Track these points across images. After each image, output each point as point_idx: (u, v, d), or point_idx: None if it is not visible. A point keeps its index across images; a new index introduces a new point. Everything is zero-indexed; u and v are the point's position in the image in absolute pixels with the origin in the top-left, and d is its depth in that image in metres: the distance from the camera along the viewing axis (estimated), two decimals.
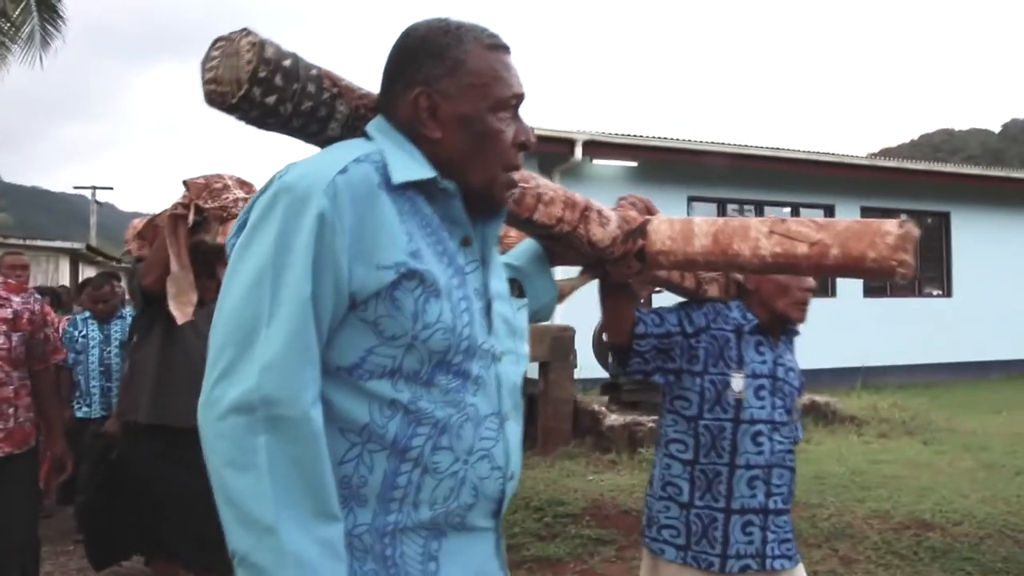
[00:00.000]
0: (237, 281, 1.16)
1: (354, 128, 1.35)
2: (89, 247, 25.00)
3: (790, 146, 13.34)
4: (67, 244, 22.35)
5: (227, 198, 2.73)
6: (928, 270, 14.17)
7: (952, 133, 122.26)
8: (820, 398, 8.20)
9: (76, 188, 42.08)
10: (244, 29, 1.28)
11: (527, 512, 5.61)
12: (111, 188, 60.05)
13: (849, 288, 12.53)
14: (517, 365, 1.36)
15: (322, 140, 1.35)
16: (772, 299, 2.36)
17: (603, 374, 8.14)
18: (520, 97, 1.33)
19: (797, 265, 1.73)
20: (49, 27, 14.37)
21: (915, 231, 1.63)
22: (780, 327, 2.41)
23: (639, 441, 6.47)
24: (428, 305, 1.20)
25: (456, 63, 1.28)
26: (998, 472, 6.17)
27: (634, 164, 11.00)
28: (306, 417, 1.10)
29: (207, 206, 2.73)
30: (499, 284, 1.37)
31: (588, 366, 8.93)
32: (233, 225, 2.67)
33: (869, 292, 13.31)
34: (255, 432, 1.07)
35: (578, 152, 10.11)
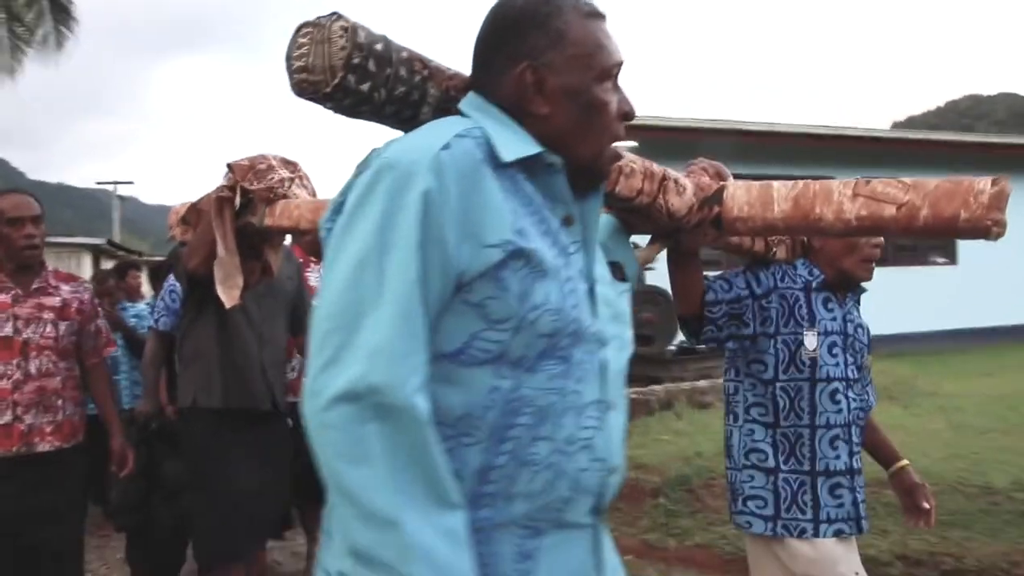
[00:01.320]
0: (339, 265, 1.11)
1: (446, 111, 1.31)
2: (110, 242, 25.42)
3: (803, 121, 13.42)
4: (88, 240, 22.72)
5: (272, 178, 2.73)
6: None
7: (979, 98, 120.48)
8: None
9: (99, 183, 42.70)
10: (334, 13, 1.25)
11: None
12: (131, 183, 60.86)
13: None
14: (622, 351, 1.31)
15: (414, 125, 1.28)
16: (839, 257, 2.34)
17: None
18: (621, 65, 1.29)
19: (885, 228, 1.68)
20: (63, 28, 14.75)
21: (1008, 188, 1.58)
22: (846, 285, 2.39)
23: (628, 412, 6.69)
24: (535, 286, 1.15)
25: (559, 34, 1.24)
26: (964, 432, 6.30)
27: (635, 144, 11.14)
28: (411, 405, 1.04)
29: (253, 187, 2.72)
30: (601, 266, 1.32)
31: None
32: (279, 205, 2.67)
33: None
34: (363, 421, 1.02)
35: None
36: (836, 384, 2.29)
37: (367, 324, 1.06)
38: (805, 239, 2.36)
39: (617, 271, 1.49)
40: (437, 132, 1.16)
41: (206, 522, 3.17)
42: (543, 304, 1.15)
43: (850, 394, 2.32)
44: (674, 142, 11.19)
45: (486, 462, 1.13)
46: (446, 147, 1.12)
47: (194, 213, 3.02)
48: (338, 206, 1.21)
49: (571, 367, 1.18)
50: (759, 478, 2.30)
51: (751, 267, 2.37)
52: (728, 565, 4.45)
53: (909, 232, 1.68)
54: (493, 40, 1.27)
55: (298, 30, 1.26)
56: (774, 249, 2.33)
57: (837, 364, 2.30)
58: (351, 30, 1.23)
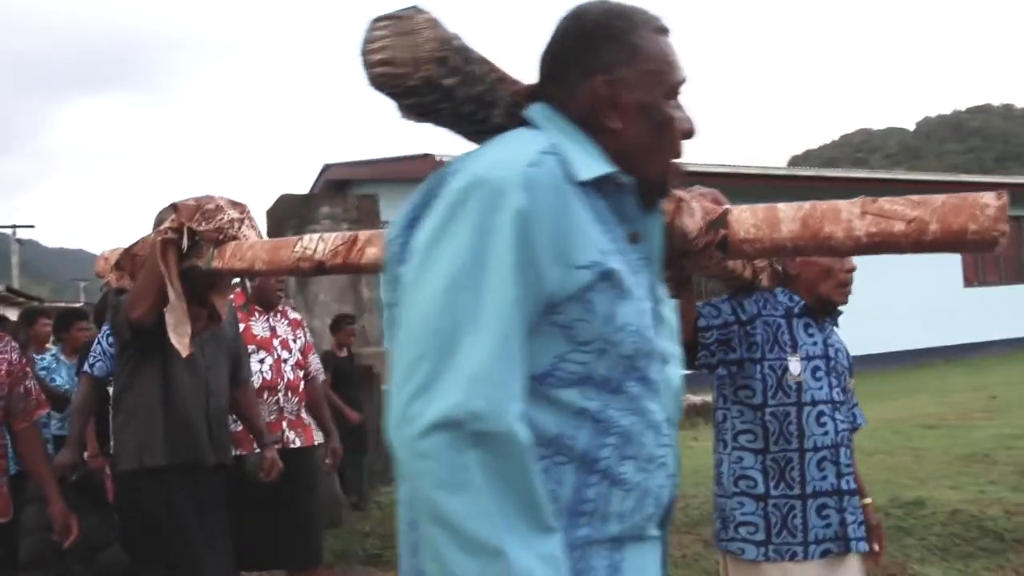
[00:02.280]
0: (428, 286, 1.06)
1: (512, 116, 1.28)
2: (9, 288, 24.60)
3: (705, 159, 13.88)
4: None
5: (222, 219, 2.63)
6: None
7: (871, 132, 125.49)
8: (704, 397, 8.61)
9: None
10: (414, 7, 1.22)
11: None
12: (32, 226, 57.93)
13: None
14: (679, 368, 1.30)
15: (483, 131, 1.28)
16: (816, 283, 2.39)
17: None
18: (685, 82, 1.28)
19: (895, 243, 1.70)
20: None
21: (1007, 201, 1.62)
22: (824, 310, 2.43)
23: None
24: (618, 307, 1.14)
25: (634, 49, 1.23)
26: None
27: None
28: (513, 432, 1.02)
29: (201, 228, 2.61)
30: (661, 283, 1.31)
31: None
32: (230, 247, 2.51)
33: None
34: (462, 449, 1.00)
35: None
36: (822, 407, 2.33)
37: (464, 348, 1.02)
38: (781, 268, 2.43)
39: (671, 286, 1.48)
40: (520, 147, 1.14)
41: None
42: (626, 325, 1.14)
43: (837, 416, 2.36)
44: None
45: (580, 481, 1.13)
46: (533, 164, 1.10)
47: (128, 258, 2.89)
48: (411, 221, 1.18)
49: (647, 387, 1.19)
50: (749, 504, 2.31)
51: (735, 295, 2.41)
52: None
53: (919, 247, 1.69)
54: (567, 52, 1.25)
55: (373, 24, 1.22)
56: (760, 276, 2.38)
57: (821, 387, 2.34)
58: (436, 23, 1.20)
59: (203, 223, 2.61)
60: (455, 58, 1.21)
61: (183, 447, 3.01)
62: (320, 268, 2.33)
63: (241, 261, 2.54)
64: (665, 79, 1.25)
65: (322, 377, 4.59)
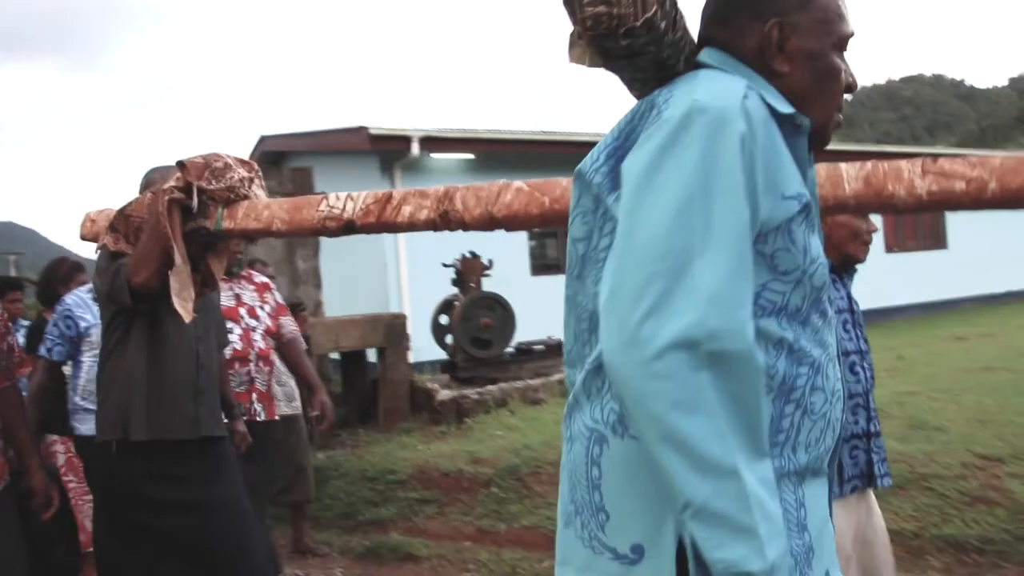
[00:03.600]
0: (655, 208, 1.06)
1: (688, 63, 1.28)
2: None
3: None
4: None
5: (232, 177, 2.51)
6: None
7: None
8: None
9: None
10: None
11: (362, 482, 6.21)
12: None
13: None
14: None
15: (667, 76, 1.26)
16: (844, 243, 2.49)
17: (440, 355, 8.87)
18: (852, 36, 1.30)
19: (956, 201, 1.73)
20: None
21: None
22: (845, 266, 2.54)
23: (465, 412, 7.15)
24: (811, 239, 1.17)
25: None
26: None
27: (471, 156, 11.68)
28: (751, 351, 1.02)
29: (211, 187, 2.48)
30: None
31: (425, 349, 9.64)
32: (242, 206, 2.41)
33: None
34: (698, 368, 0.99)
35: (415, 148, 10.70)
36: (853, 357, 2.45)
37: (699, 268, 1.02)
38: None
39: None
40: (729, 83, 1.15)
41: (109, 564, 2.81)
42: (818, 257, 1.17)
43: (865, 364, 2.49)
44: (520, 154, 11.79)
45: (778, 411, 1.13)
46: (746, 97, 1.12)
47: (122, 220, 2.71)
48: (612, 151, 1.19)
49: (825, 320, 1.21)
50: None
51: None
52: (551, 543, 4.97)
53: (978, 204, 1.72)
54: None
55: None
56: None
57: (851, 338, 2.46)
58: None
59: (213, 181, 2.48)
60: (668, 1, 1.21)
61: (166, 422, 2.79)
62: (349, 227, 2.29)
63: (257, 221, 2.44)
64: (834, 29, 1.26)
65: (299, 337, 4.48)
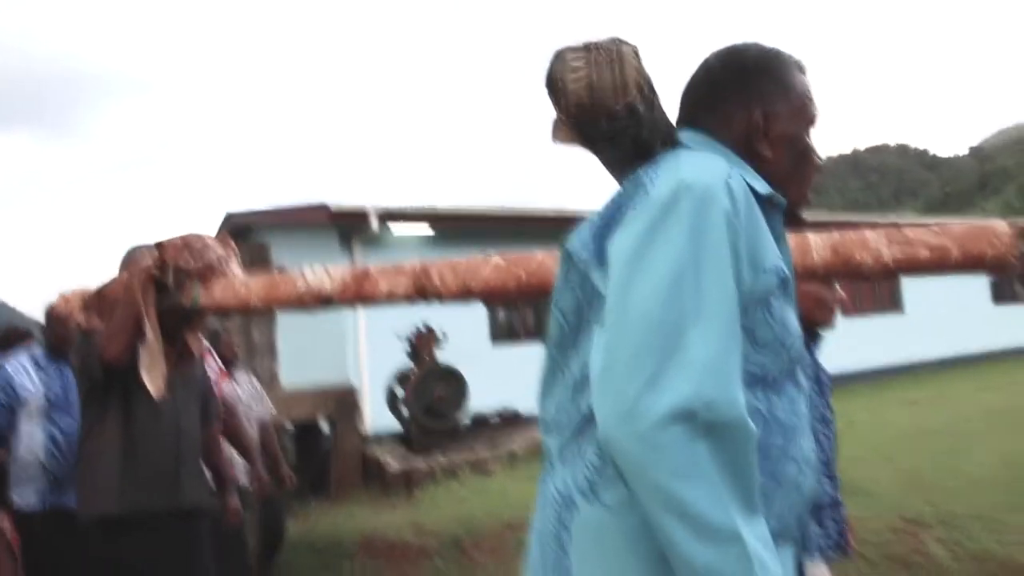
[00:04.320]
0: (647, 283, 1.09)
1: (666, 143, 1.34)
2: None
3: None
4: None
5: (211, 257, 2.61)
6: None
7: None
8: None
9: None
10: (618, 38, 1.29)
11: (310, 553, 6.26)
12: None
13: None
14: None
15: (643, 155, 1.31)
16: (810, 311, 2.47)
17: (397, 426, 8.96)
18: (818, 118, 1.38)
19: (920, 267, 1.79)
20: None
21: (1019, 229, 1.76)
22: (811, 334, 2.52)
23: (415, 483, 7.25)
24: (787, 311, 1.20)
25: (787, 86, 1.33)
26: None
27: (430, 232, 11.90)
28: (745, 419, 1.04)
29: (191, 266, 2.58)
30: None
31: (382, 419, 9.71)
32: (220, 284, 2.51)
33: None
34: (695, 438, 1.01)
35: (374, 222, 10.91)
36: (818, 426, 2.45)
37: (692, 340, 1.04)
38: None
39: None
40: (712, 162, 1.20)
41: None
42: (794, 330, 1.21)
43: (828, 432, 2.49)
44: (479, 229, 12.03)
45: None
46: (729, 176, 1.16)
47: (97, 299, 2.78)
48: (599, 230, 1.22)
49: (799, 390, 1.24)
50: None
51: None
52: None
53: (941, 270, 1.79)
54: (727, 85, 1.34)
55: (567, 54, 1.28)
56: None
57: (816, 407, 2.46)
58: (638, 52, 1.27)
59: (191, 260, 2.58)
60: (647, 86, 1.28)
61: (142, 494, 2.78)
62: (327, 302, 2.36)
63: (233, 298, 2.52)
64: (808, 114, 1.36)
65: (240, 401, 4.56)
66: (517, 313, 12.95)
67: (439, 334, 8.63)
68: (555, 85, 1.27)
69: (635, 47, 1.29)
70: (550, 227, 12.83)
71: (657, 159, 1.25)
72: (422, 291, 2.25)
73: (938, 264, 1.77)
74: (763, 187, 1.25)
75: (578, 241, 1.26)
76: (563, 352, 1.28)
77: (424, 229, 11.86)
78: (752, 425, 1.05)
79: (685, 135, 1.34)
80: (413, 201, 17.58)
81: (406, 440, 8.60)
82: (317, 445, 8.44)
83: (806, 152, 1.35)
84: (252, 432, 4.75)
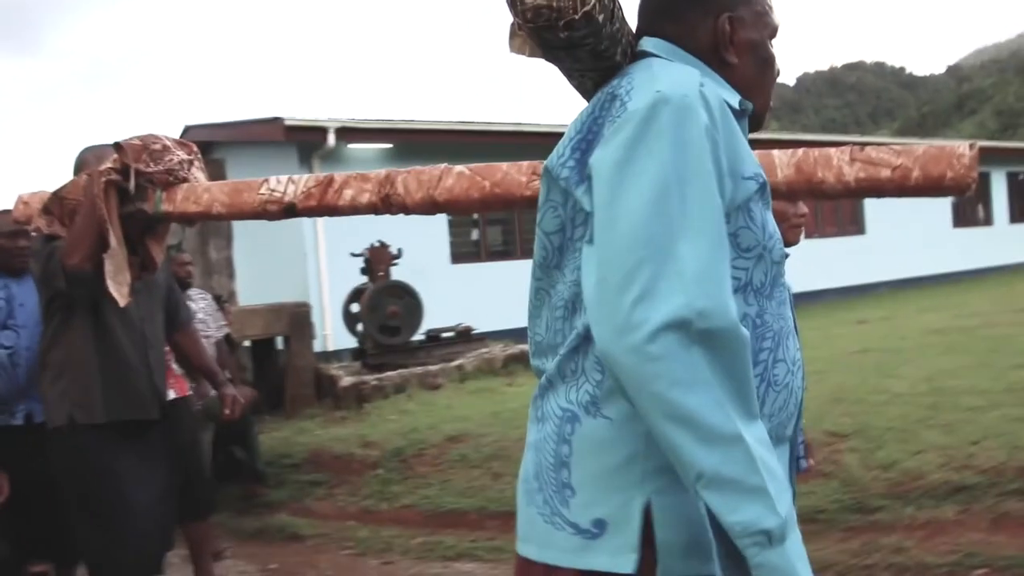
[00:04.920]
0: (633, 198, 1.09)
1: (628, 55, 1.32)
2: None
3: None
4: None
5: (171, 160, 2.49)
6: None
7: None
8: (525, 347, 9.09)
9: None
10: None
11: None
12: None
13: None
14: None
15: (605, 67, 1.29)
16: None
17: (349, 343, 9.10)
18: (779, 26, 1.39)
19: (882, 188, 1.79)
20: None
21: (978, 151, 1.77)
22: None
23: (365, 397, 7.41)
24: (767, 216, 1.22)
25: None
26: None
27: (389, 146, 11.86)
28: (737, 325, 1.06)
29: (150, 169, 2.45)
30: None
31: (341, 337, 9.84)
32: (182, 189, 2.40)
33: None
34: (690, 346, 1.03)
35: (331, 139, 10.85)
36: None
37: (682, 251, 1.06)
38: None
39: None
40: (685, 72, 1.20)
41: (103, 549, 2.86)
42: (774, 233, 1.23)
43: (797, 343, 2.68)
44: (439, 144, 12.01)
45: None
46: (703, 85, 1.16)
47: (57, 202, 2.68)
48: (578, 144, 1.22)
49: (786, 293, 1.27)
50: None
51: None
52: (428, 520, 5.27)
53: (902, 191, 1.79)
54: None
55: None
56: None
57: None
58: None
59: (151, 164, 2.46)
60: None
61: (123, 403, 2.86)
62: (290, 211, 2.28)
63: (196, 204, 2.42)
64: (770, 21, 1.36)
65: (195, 319, 4.53)
66: (478, 232, 13.02)
67: (394, 250, 8.68)
68: None
69: None
70: (510, 142, 12.80)
71: (628, 70, 1.26)
72: (386, 200, 2.19)
73: (899, 184, 1.78)
74: (732, 97, 1.27)
75: (557, 158, 1.25)
76: (548, 273, 1.29)
77: (383, 144, 11.84)
78: (745, 331, 1.07)
79: (650, 44, 1.32)
80: (372, 116, 17.52)
81: (361, 356, 8.73)
82: (273, 362, 8.56)
83: (769, 59, 1.36)
84: (210, 351, 4.82)
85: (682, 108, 1.11)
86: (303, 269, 11.17)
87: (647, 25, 1.35)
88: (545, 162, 1.28)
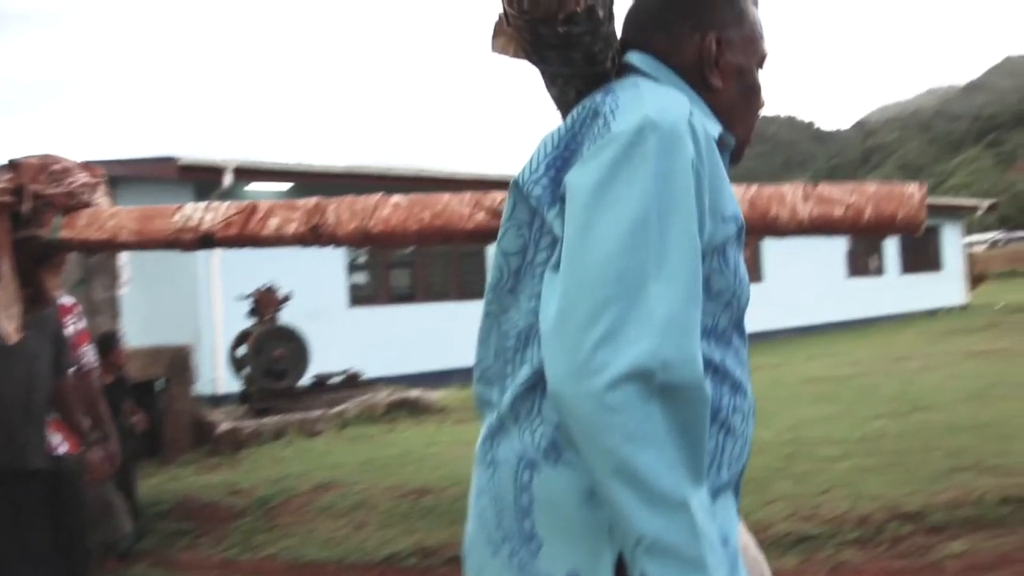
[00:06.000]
0: (608, 227, 1.01)
1: (615, 65, 1.24)
2: None
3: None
4: None
5: (72, 182, 2.28)
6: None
7: None
8: (411, 393, 8.98)
9: None
10: None
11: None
12: None
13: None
14: None
15: (594, 76, 1.21)
16: None
17: (231, 388, 8.97)
18: (767, 56, 1.31)
19: (834, 226, 1.76)
20: None
21: (926, 192, 1.77)
22: None
23: (242, 443, 7.31)
24: (739, 260, 1.15)
25: (741, 14, 1.26)
26: None
27: (289, 186, 11.80)
28: (701, 381, 0.99)
29: (48, 192, 2.24)
30: None
31: (226, 379, 9.68)
32: (84, 215, 2.18)
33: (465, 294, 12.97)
34: (649, 399, 0.96)
35: (228, 178, 10.76)
36: None
37: (654, 293, 0.98)
38: None
39: None
40: (674, 98, 1.13)
41: None
42: (744, 278, 1.16)
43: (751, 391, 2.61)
44: (325, 186, 11.97)
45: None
46: (691, 114, 1.09)
47: None
48: (553, 161, 1.13)
49: (743, 340, 1.19)
50: None
51: None
52: (288, 571, 5.19)
53: (855, 230, 1.77)
54: (681, 6, 1.25)
55: None
56: None
57: None
58: None
59: (50, 186, 2.24)
60: None
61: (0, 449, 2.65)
62: (207, 241, 2.14)
63: (100, 231, 2.22)
64: (759, 48, 1.29)
65: (97, 370, 4.30)
66: (377, 275, 12.99)
67: (282, 294, 8.62)
68: None
69: None
70: (410, 187, 12.81)
71: (613, 87, 1.17)
72: (315, 231, 2.06)
73: (852, 223, 1.75)
74: (715, 128, 1.19)
75: (529, 173, 1.15)
76: (499, 296, 1.20)
77: (283, 185, 11.77)
78: (707, 390, 1.01)
79: (635, 58, 1.25)
80: (272, 158, 17.36)
81: (247, 399, 8.61)
82: (152, 406, 8.37)
83: (755, 88, 1.28)
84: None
85: (670, 136, 1.04)
86: (194, 310, 10.98)
87: (634, 35, 1.27)
88: (515, 176, 1.18)
